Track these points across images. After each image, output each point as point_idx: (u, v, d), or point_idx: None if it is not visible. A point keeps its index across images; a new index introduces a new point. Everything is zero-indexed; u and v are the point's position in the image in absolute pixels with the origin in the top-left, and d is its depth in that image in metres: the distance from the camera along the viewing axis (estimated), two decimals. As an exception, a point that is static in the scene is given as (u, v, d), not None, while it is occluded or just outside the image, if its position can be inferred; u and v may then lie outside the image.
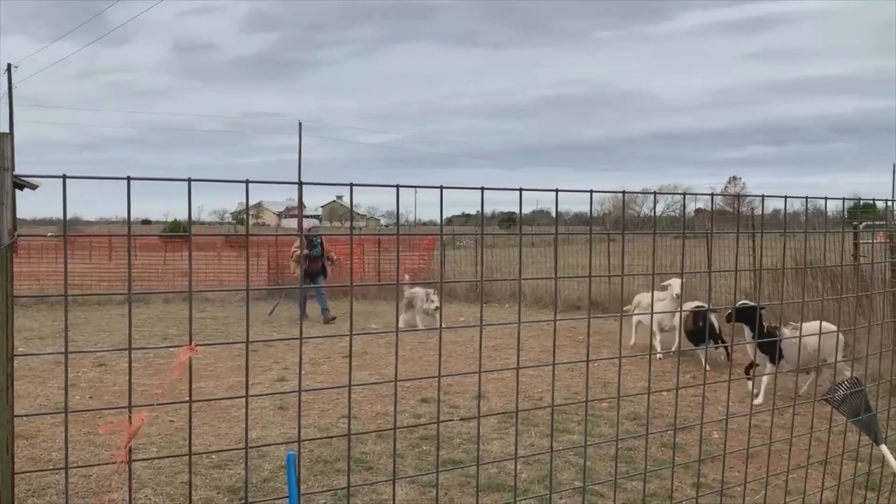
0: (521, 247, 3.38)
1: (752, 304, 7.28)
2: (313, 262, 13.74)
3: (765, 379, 7.22)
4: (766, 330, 7.29)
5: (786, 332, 6.63)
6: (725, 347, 8.94)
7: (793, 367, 6.85)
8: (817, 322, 6.58)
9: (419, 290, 12.73)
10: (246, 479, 2.46)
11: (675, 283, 9.64)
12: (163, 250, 21.50)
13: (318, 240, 13.98)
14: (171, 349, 10.29)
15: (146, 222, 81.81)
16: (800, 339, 5.16)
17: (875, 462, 4.28)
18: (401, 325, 11.87)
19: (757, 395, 7.27)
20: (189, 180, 1.97)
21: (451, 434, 6.26)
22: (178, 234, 31.10)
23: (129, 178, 1.88)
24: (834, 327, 6.19)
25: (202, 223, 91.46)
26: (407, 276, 13.95)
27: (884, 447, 3.73)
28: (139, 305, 15.54)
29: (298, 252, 13.51)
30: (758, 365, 7.48)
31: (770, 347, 6.94)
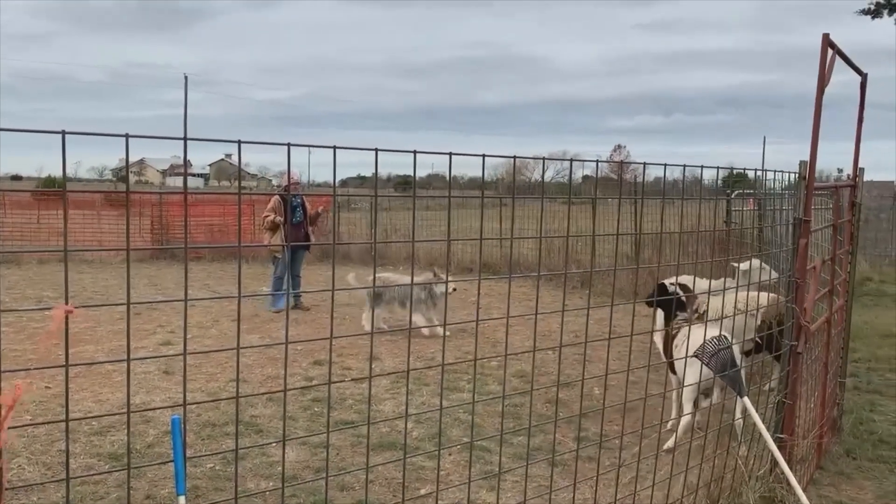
0: (416, 210, 3.40)
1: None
2: (294, 229, 10.20)
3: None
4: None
5: None
6: None
7: None
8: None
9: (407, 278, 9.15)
10: (128, 444, 2.39)
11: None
12: (36, 208, 20.17)
13: (300, 200, 10.41)
14: (45, 312, 9.77)
15: (17, 178, 76.67)
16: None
17: (739, 413, 4.62)
18: (367, 324, 9.10)
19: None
20: (63, 133, 1.86)
21: (344, 395, 6.28)
22: (53, 190, 29.23)
23: (-6, 130, 1.76)
24: None
25: (79, 180, 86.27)
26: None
27: (746, 399, 4.04)
28: (9, 266, 14.57)
29: (272, 217, 10.11)
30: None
31: None
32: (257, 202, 17.94)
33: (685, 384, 4.92)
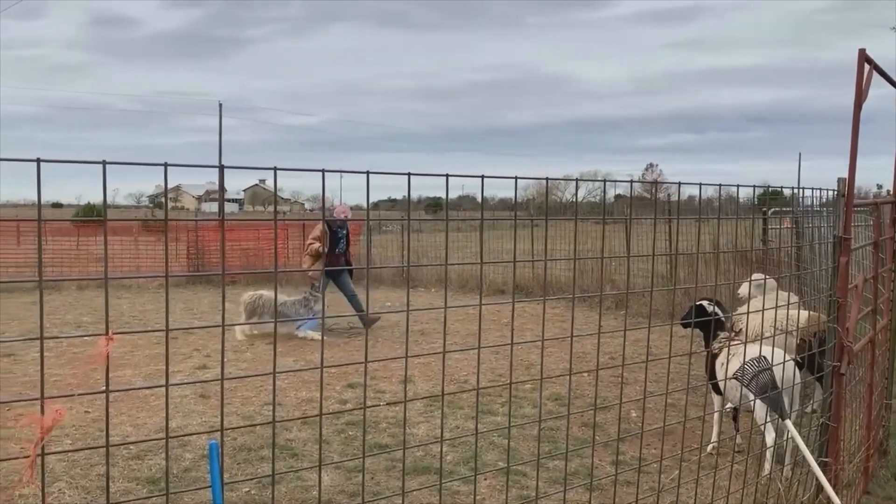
0: (448, 232, 3.40)
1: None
2: (335, 258, 10.53)
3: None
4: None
5: None
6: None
7: None
8: None
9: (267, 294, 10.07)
10: (167, 468, 2.41)
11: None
12: (76, 235, 20.61)
13: (346, 231, 10.83)
14: (84, 338, 9.91)
15: (57, 206, 78.57)
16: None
17: (781, 436, 4.51)
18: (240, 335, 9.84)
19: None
20: (104, 163, 1.90)
21: (378, 419, 6.26)
22: (92, 218, 29.87)
23: (38, 161, 1.80)
24: None
25: (117, 207, 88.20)
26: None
27: (788, 422, 3.94)
28: (51, 292, 14.88)
29: (317, 246, 10.40)
30: None
31: None
32: (290, 226, 18.13)
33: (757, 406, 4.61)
